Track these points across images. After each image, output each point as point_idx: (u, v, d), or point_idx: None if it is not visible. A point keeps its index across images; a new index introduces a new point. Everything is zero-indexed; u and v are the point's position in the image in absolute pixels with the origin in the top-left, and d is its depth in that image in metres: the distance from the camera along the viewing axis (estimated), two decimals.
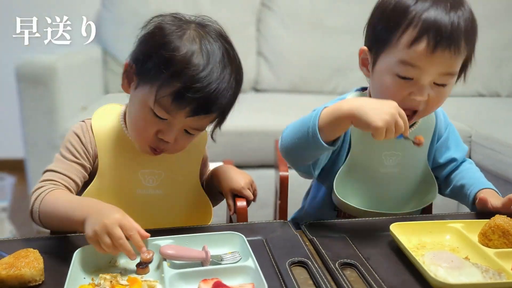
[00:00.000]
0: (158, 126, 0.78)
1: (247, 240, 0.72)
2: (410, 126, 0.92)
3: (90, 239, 0.68)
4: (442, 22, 0.79)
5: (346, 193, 0.92)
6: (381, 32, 0.84)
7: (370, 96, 0.93)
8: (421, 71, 0.81)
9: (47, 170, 0.83)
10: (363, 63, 0.91)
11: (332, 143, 0.79)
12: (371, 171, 0.93)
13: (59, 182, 0.81)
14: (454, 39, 0.80)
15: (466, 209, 1.57)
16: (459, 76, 0.88)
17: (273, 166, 1.79)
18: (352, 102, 0.77)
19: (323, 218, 0.88)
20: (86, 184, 0.85)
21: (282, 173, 1.08)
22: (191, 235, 0.74)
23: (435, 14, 0.79)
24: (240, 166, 1.01)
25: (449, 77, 0.83)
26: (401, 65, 0.82)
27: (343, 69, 2.34)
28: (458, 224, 0.79)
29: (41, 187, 0.80)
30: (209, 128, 0.86)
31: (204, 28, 0.80)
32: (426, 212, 1.04)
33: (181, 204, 0.89)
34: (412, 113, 0.85)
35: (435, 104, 0.86)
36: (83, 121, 0.87)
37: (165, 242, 0.71)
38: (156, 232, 0.77)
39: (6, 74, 2.35)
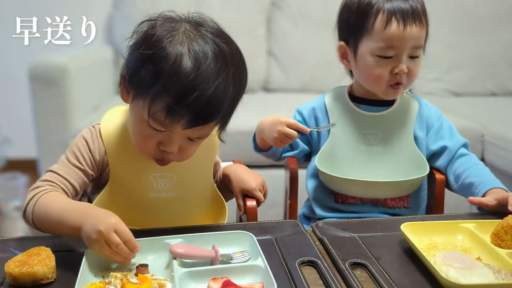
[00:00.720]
0: (158, 138, 0.76)
1: (257, 240, 0.72)
2: (390, 104, 1.03)
3: (92, 248, 0.67)
4: (403, 6, 0.95)
5: (331, 168, 1.00)
6: (355, 24, 0.98)
7: (353, 85, 1.07)
8: (398, 49, 0.95)
9: (49, 170, 0.82)
10: (343, 57, 1.04)
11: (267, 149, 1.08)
12: (352, 147, 1.02)
13: (57, 184, 0.79)
14: (417, 16, 0.95)
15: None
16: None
17: (283, 165, 1.79)
18: (261, 122, 1.03)
19: (323, 204, 0.99)
20: (97, 190, 0.85)
21: (292, 172, 1.08)
22: (201, 234, 0.75)
23: (395, 2, 0.95)
24: (250, 166, 1.01)
25: (419, 49, 0.97)
26: (380, 48, 0.95)
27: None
28: (470, 224, 0.78)
29: (38, 187, 0.78)
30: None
31: (197, 28, 0.75)
32: (437, 212, 1.03)
33: (195, 206, 0.89)
34: (397, 86, 0.98)
35: (413, 74, 0.98)
36: (93, 126, 0.86)
37: (175, 241, 0.71)
38: (166, 231, 0.78)
39: (19, 75, 2.39)
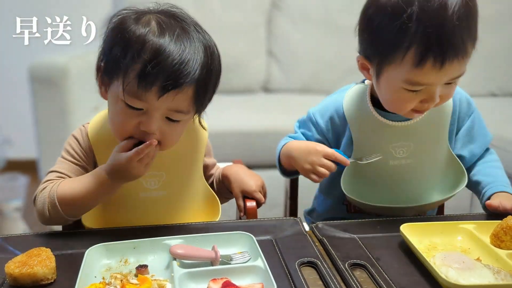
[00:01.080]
0: (136, 118, 0.75)
1: (257, 240, 0.72)
2: None
3: (125, 166, 0.74)
4: (443, 29, 0.74)
5: (357, 191, 0.90)
6: (383, 46, 0.80)
7: (371, 92, 0.91)
8: (431, 85, 0.79)
9: (49, 172, 0.84)
10: (363, 67, 0.88)
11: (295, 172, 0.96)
12: (379, 165, 0.89)
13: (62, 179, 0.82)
14: (459, 46, 0.75)
15: (479, 210, 1.54)
16: None
17: None
18: (292, 146, 0.91)
19: (333, 216, 0.89)
20: None
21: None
22: (201, 235, 0.75)
23: (430, 17, 0.74)
24: (250, 166, 1.01)
25: (458, 78, 0.82)
26: (409, 84, 0.79)
27: (355, 69, 2.31)
28: (469, 225, 0.78)
29: (46, 186, 0.80)
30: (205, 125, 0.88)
31: (165, 13, 0.77)
32: (438, 213, 1.03)
33: (187, 203, 0.89)
34: (422, 111, 0.85)
35: (445, 99, 0.84)
36: (83, 126, 0.87)
37: (175, 242, 0.72)
38: (166, 231, 0.78)
39: (19, 75, 2.39)
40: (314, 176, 0.86)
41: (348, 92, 0.94)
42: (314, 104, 1.02)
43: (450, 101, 0.91)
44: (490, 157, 0.97)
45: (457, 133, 0.94)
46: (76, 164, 0.85)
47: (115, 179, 0.77)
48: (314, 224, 0.83)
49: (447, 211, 1.05)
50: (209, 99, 0.82)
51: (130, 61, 0.72)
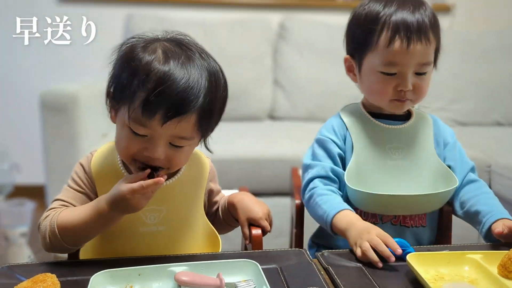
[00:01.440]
0: (141, 144, 0.76)
1: (262, 268, 0.72)
2: (406, 119, 1.01)
3: (126, 202, 0.75)
4: (409, 20, 0.91)
5: (359, 186, 0.94)
6: (360, 38, 0.96)
7: (364, 101, 1.03)
8: (402, 66, 0.92)
9: (54, 200, 0.85)
10: (349, 70, 1.02)
11: None
12: (379, 163, 0.97)
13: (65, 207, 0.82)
14: (423, 32, 0.91)
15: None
16: (434, 65, 0.98)
17: (289, 194, 1.78)
18: (345, 220, 0.87)
19: None
20: None
21: (297, 201, 1.08)
22: (206, 262, 0.75)
23: (401, 15, 0.92)
24: (255, 194, 1.01)
25: (426, 66, 0.94)
26: (383, 65, 0.93)
27: (360, 98, 2.35)
28: (477, 255, 0.77)
29: (49, 215, 0.81)
30: (208, 152, 0.87)
31: (172, 41, 0.80)
32: (445, 242, 1.02)
33: (186, 239, 0.88)
34: (403, 100, 0.95)
35: (421, 91, 0.95)
36: (90, 153, 0.88)
37: (180, 269, 0.71)
38: (171, 259, 0.78)
39: (29, 102, 2.43)
40: (368, 254, 0.79)
41: (342, 109, 1.06)
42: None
43: (431, 121, 1.04)
44: (485, 188, 1.00)
45: (444, 148, 1.03)
46: (81, 192, 0.85)
47: (115, 210, 0.76)
48: (320, 253, 0.82)
49: (454, 241, 1.04)
50: (215, 124, 0.83)
51: (136, 88, 0.74)
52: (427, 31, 0.92)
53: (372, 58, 0.94)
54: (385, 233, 0.82)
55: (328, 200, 0.93)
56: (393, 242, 0.79)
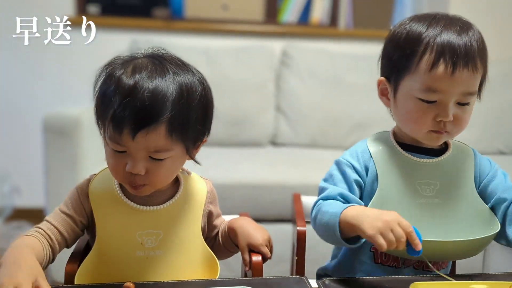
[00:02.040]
0: (123, 160, 0.78)
1: None
2: (442, 152, 0.92)
3: None
4: (456, 43, 0.82)
5: None
6: (398, 60, 0.87)
7: (395, 130, 0.94)
8: (443, 94, 0.83)
9: (44, 220, 0.85)
10: (382, 93, 0.93)
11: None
12: (408, 200, 0.88)
13: (44, 231, 0.81)
14: (470, 58, 0.82)
15: (491, 269, 1.50)
16: (478, 95, 0.90)
17: (290, 220, 1.76)
18: (354, 211, 0.80)
19: (359, 265, 0.87)
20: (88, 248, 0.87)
21: (299, 228, 1.06)
22: None
23: (447, 37, 0.83)
24: (256, 220, 1.00)
25: (470, 96, 0.85)
26: (423, 91, 0.84)
27: (362, 125, 2.36)
28: (481, 286, 0.76)
29: (25, 235, 0.80)
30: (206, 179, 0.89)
31: (149, 56, 0.81)
32: (449, 272, 1.00)
33: (184, 263, 0.87)
34: (440, 132, 0.87)
35: (462, 123, 0.87)
36: (89, 177, 0.89)
37: None
38: (168, 285, 0.76)
39: (31, 125, 2.45)
40: (381, 240, 0.74)
41: (370, 136, 0.97)
42: (322, 158, 1.02)
43: (471, 153, 0.94)
44: None
45: (481, 185, 0.93)
46: (68, 217, 0.84)
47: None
48: (321, 281, 0.81)
49: (458, 270, 1.02)
50: (197, 133, 0.82)
51: (108, 104, 0.76)
52: (474, 57, 0.83)
53: (411, 82, 0.85)
54: (407, 223, 0.75)
55: (335, 205, 0.85)
56: (415, 237, 0.74)
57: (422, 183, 0.89)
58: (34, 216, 2.27)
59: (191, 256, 0.88)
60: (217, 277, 0.87)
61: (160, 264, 0.84)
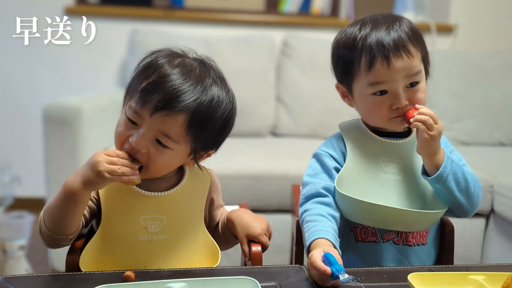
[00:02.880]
0: (131, 131, 0.82)
1: (261, 286, 0.71)
2: (406, 136, 0.99)
3: (100, 175, 0.77)
4: (385, 40, 0.90)
5: (348, 192, 0.92)
6: (344, 68, 0.96)
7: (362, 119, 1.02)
8: (389, 83, 0.91)
9: None
10: (343, 95, 1.02)
11: None
12: (371, 174, 0.96)
13: None
14: (401, 47, 0.90)
15: (489, 260, 1.51)
16: (425, 73, 0.96)
17: (290, 210, 1.77)
18: (314, 246, 0.84)
19: (341, 243, 0.89)
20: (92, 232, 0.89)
21: (298, 219, 1.07)
22: (204, 279, 0.74)
23: (375, 37, 0.91)
24: (256, 210, 1.00)
25: (415, 76, 0.92)
26: (371, 87, 0.92)
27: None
28: (479, 277, 0.76)
29: None
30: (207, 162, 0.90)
31: (195, 59, 0.87)
32: (447, 263, 1.01)
33: (186, 249, 0.88)
34: (404, 118, 0.93)
35: (418, 101, 0.93)
36: None
37: (178, 285, 0.71)
38: (169, 275, 0.77)
39: (32, 115, 2.45)
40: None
41: (341, 123, 1.05)
42: None
43: None
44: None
45: None
46: (91, 198, 0.88)
47: (80, 176, 0.79)
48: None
49: (457, 261, 1.03)
50: (207, 141, 0.85)
51: (142, 80, 0.82)
52: (406, 45, 0.91)
53: (359, 84, 0.94)
54: (314, 259, 0.77)
55: (311, 227, 0.89)
56: (321, 266, 0.75)
57: (386, 161, 0.97)
58: (34, 205, 2.27)
59: (193, 243, 0.89)
60: (218, 263, 0.88)
61: (163, 248, 0.86)
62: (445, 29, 2.66)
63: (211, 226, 0.96)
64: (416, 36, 0.93)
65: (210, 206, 0.95)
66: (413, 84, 0.93)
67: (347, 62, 0.94)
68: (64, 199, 0.80)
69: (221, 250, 0.93)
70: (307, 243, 0.88)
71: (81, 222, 0.85)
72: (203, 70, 0.84)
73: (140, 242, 0.85)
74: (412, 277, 0.74)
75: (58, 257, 1.79)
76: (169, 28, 2.48)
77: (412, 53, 0.91)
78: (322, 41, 2.49)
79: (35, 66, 2.50)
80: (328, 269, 0.74)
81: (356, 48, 0.92)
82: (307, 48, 2.45)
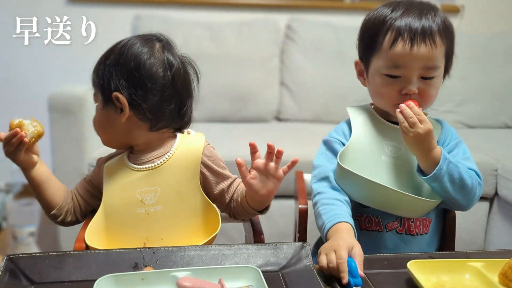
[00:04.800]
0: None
1: (263, 272, 0.73)
2: None
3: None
4: (413, 24, 0.91)
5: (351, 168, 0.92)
6: (367, 42, 0.97)
7: (372, 104, 1.04)
8: (405, 69, 0.92)
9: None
10: (360, 74, 1.03)
11: None
12: (373, 155, 0.97)
13: (72, 191, 0.98)
14: (428, 34, 0.90)
15: (492, 246, 1.51)
16: (445, 71, 0.97)
17: (293, 196, 1.78)
18: (332, 232, 0.86)
19: None
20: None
21: (301, 206, 1.08)
22: (208, 268, 0.75)
23: (406, 19, 0.92)
24: None
25: (432, 70, 0.92)
26: (387, 67, 0.93)
27: (367, 100, 2.33)
28: (478, 263, 0.77)
29: None
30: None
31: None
32: (448, 249, 1.02)
33: (184, 215, 0.91)
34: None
35: (427, 96, 0.94)
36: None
37: (182, 274, 0.72)
38: (173, 264, 0.79)
39: (38, 105, 2.46)
40: (320, 258, 0.79)
41: (350, 106, 1.06)
42: (325, 133, 1.06)
43: (439, 128, 1.01)
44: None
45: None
46: (85, 180, 0.98)
47: None
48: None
49: (460, 244, 1.03)
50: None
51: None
52: (433, 34, 0.90)
53: (378, 60, 0.95)
54: (342, 254, 0.75)
55: (330, 210, 0.91)
56: (342, 269, 0.74)
57: (389, 144, 0.98)
58: None
59: (191, 209, 0.91)
60: (219, 228, 0.89)
61: (161, 218, 0.90)
62: (452, 10, 2.62)
63: (224, 198, 0.94)
64: (446, 30, 0.93)
65: (216, 176, 0.93)
66: (427, 78, 0.92)
67: (372, 36, 0.95)
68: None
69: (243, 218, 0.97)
70: (327, 225, 0.88)
71: (64, 202, 0.95)
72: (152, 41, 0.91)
73: (138, 215, 0.89)
74: (411, 264, 0.75)
75: (67, 243, 1.82)
76: (171, 13, 2.46)
77: (437, 44, 0.91)
78: (327, 24, 2.47)
79: (41, 54, 2.51)
80: (346, 277, 0.73)
81: (384, 24, 0.93)
82: (312, 32, 2.43)
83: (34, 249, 1.93)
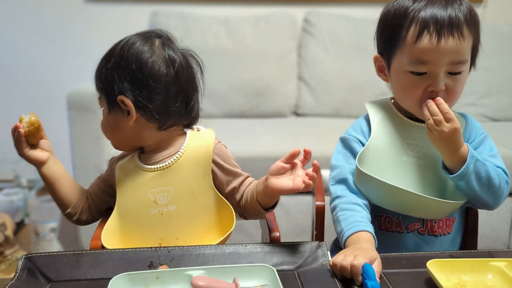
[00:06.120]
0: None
1: (278, 271, 0.72)
2: None
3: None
4: (439, 15, 0.84)
5: (369, 171, 0.89)
6: (388, 36, 0.90)
7: (392, 99, 0.99)
8: (432, 65, 0.85)
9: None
10: (380, 70, 0.97)
11: None
12: (393, 155, 0.93)
13: (87, 189, 1.00)
14: (455, 26, 0.84)
15: None
16: (471, 64, 0.91)
17: (311, 192, 1.77)
18: (353, 240, 0.83)
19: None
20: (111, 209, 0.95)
21: (318, 203, 1.07)
22: (222, 267, 0.75)
23: (431, 9, 0.85)
24: None
25: (460, 65, 0.86)
26: (412, 64, 0.87)
27: (387, 94, 2.30)
28: (501, 263, 0.75)
29: None
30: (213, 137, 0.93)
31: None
32: (470, 247, 0.99)
33: (198, 214, 0.91)
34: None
35: (454, 92, 0.89)
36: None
37: (196, 273, 0.72)
38: (188, 263, 0.79)
39: (58, 102, 2.50)
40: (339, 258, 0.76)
41: (369, 102, 1.02)
42: (344, 128, 1.03)
43: (463, 122, 0.96)
44: None
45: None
46: (99, 179, 0.99)
47: None
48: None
49: (483, 240, 1.00)
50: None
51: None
52: (460, 25, 0.84)
53: (401, 56, 0.88)
54: (359, 259, 0.73)
55: (349, 217, 0.87)
56: (356, 272, 0.72)
57: (410, 144, 0.93)
58: None
59: (205, 207, 0.91)
60: (233, 225, 0.88)
61: (175, 218, 0.90)
62: (475, 0, 2.55)
63: (234, 200, 0.93)
64: (473, 20, 0.87)
65: (227, 174, 0.92)
66: (454, 74, 0.87)
67: (394, 30, 0.88)
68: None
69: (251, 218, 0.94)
70: (346, 232, 0.85)
71: (79, 201, 0.96)
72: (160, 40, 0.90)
73: (152, 216, 0.89)
74: (431, 264, 0.73)
75: (87, 239, 1.85)
76: (188, 9, 2.46)
77: (465, 36, 0.85)
78: (345, 17, 2.43)
79: (59, 52, 2.54)
80: (359, 280, 0.71)
81: (407, 16, 0.86)
82: (329, 25, 2.40)
83: (55, 244, 1.96)
